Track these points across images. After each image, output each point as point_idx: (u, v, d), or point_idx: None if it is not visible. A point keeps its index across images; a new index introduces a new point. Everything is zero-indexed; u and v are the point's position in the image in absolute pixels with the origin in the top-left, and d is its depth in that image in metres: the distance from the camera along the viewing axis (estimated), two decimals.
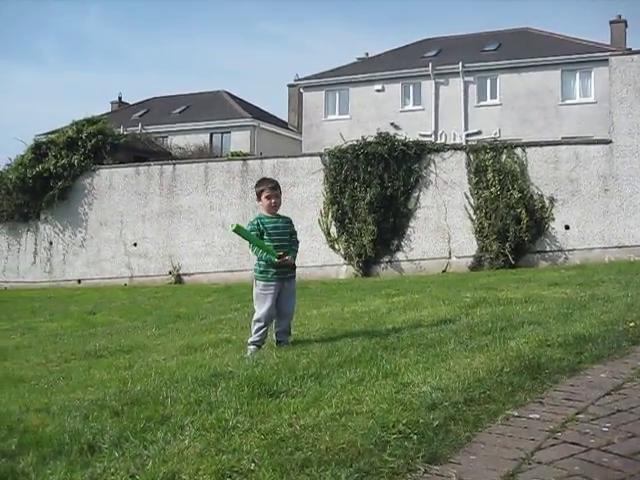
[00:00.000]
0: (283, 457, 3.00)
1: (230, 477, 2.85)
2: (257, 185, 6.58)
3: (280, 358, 5.55)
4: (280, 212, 6.53)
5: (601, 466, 2.88)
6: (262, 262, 6.29)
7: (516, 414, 3.60)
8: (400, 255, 19.22)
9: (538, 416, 3.57)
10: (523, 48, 33.55)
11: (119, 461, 3.27)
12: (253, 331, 6.36)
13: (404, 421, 3.37)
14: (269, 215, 6.38)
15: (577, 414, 3.58)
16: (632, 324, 5.88)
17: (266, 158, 22.04)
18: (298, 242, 6.57)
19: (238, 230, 6.26)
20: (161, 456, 3.24)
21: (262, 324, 6.30)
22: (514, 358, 4.65)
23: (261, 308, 6.29)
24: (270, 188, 6.41)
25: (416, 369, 4.62)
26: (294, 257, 6.40)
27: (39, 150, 23.29)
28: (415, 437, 3.18)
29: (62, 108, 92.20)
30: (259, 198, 6.44)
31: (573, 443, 3.16)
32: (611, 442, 3.15)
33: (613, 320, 6.17)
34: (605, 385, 4.14)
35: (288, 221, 6.52)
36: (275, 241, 6.26)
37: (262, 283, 6.31)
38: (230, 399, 4.17)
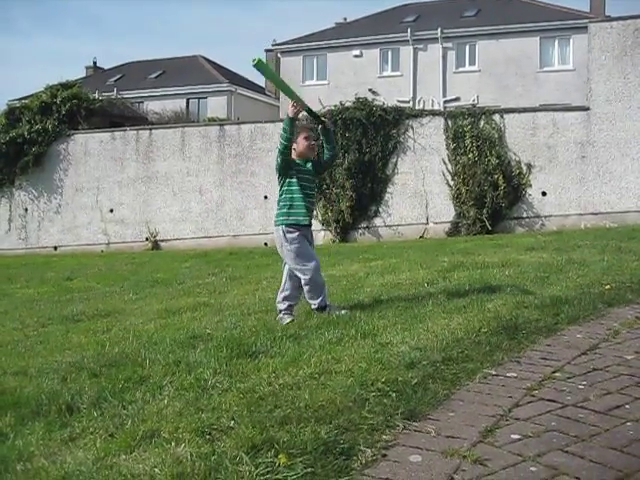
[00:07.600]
0: (262, 414, 3.01)
1: (210, 434, 2.85)
2: None
3: (259, 320, 5.56)
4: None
5: (577, 422, 2.92)
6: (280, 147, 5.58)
7: (494, 373, 3.64)
8: (378, 221, 19.24)
9: (515, 375, 3.61)
10: (502, 14, 33.39)
11: (98, 421, 3.27)
12: (308, 296, 5.64)
13: (383, 379, 3.39)
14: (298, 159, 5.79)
15: (554, 373, 3.63)
16: (608, 287, 5.96)
17: (243, 123, 21.83)
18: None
19: (260, 66, 5.29)
20: (140, 415, 3.24)
21: (311, 281, 5.55)
22: (492, 319, 4.69)
23: (304, 264, 5.55)
24: (309, 130, 5.98)
25: (394, 330, 4.65)
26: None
27: (12, 115, 22.89)
28: (394, 395, 3.21)
29: (36, 74, 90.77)
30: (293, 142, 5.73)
31: (550, 400, 3.20)
32: (587, 399, 3.20)
33: (589, 283, 6.25)
34: (581, 345, 4.19)
35: (315, 164, 5.91)
36: (302, 180, 5.66)
37: (285, 229, 5.61)
38: (209, 360, 4.17)
